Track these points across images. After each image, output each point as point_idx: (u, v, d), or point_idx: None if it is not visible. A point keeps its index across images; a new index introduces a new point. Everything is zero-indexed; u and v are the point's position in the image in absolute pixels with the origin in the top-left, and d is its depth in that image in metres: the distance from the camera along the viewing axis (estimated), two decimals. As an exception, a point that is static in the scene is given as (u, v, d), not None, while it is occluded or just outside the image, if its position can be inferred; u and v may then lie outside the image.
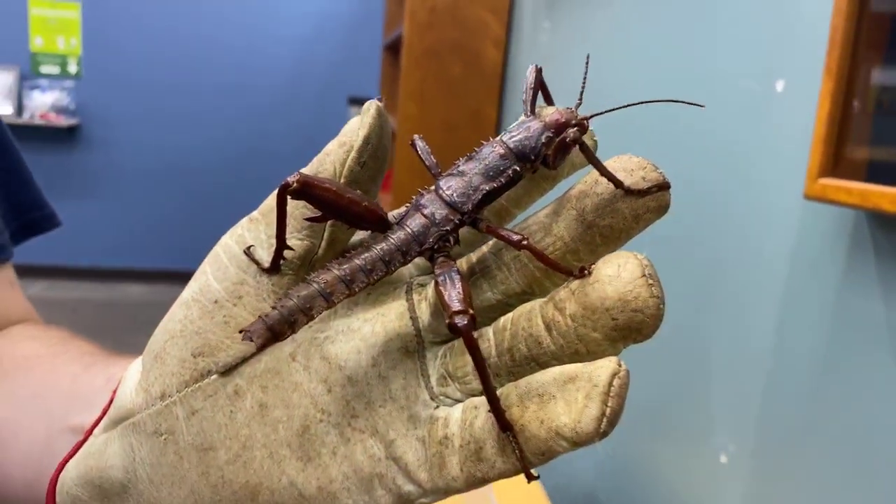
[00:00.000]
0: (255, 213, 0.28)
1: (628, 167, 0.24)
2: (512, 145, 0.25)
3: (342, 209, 0.25)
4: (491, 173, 0.25)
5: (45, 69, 3.54)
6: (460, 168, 0.25)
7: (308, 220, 0.26)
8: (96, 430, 0.30)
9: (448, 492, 0.24)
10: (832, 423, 0.66)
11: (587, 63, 0.28)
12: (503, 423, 0.22)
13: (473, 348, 0.22)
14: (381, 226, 0.25)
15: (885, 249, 0.62)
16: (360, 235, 0.29)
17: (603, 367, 0.21)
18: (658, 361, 0.96)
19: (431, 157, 0.27)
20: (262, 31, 3.62)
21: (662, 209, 0.24)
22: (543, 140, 0.25)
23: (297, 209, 0.26)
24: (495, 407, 0.22)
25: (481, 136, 0.26)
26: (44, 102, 3.52)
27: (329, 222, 0.27)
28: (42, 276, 3.56)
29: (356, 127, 0.26)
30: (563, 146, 0.24)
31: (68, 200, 3.55)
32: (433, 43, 1.81)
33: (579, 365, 0.22)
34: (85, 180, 3.66)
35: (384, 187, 2.33)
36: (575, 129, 0.24)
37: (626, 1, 1.15)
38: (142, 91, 3.58)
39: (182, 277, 0.29)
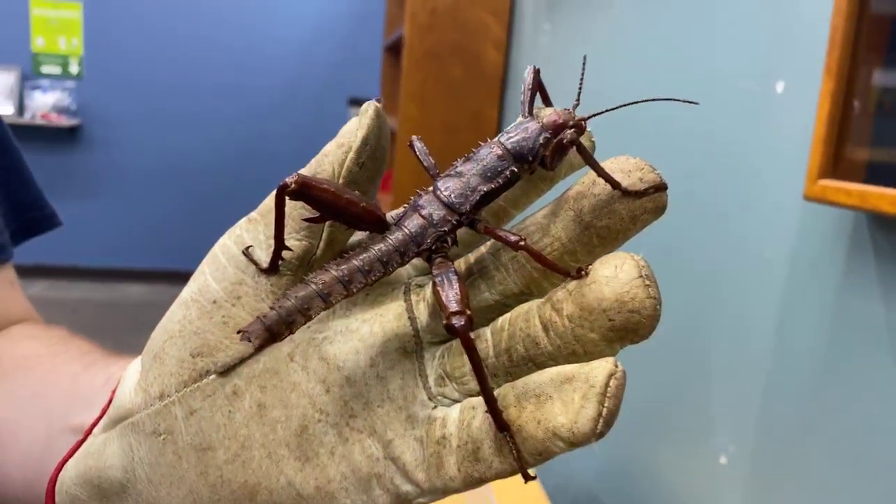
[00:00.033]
0: (253, 214, 0.28)
1: (625, 168, 0.24)
2: (510, 146, 0.25)
3: (340, 210, 0.25)
4: (489, 174, 0.25)
5: (46, 69, 3.54)
6: (458, 169, 0.26)
7: (306, 220, 0.26)
8: (95, 430, 0.30)
9: (446, 492, 0.24)
10: (832, 424, 0.66)
11: (584, 64, 0.28)
12: (500, 424, 0.22)
13: (470, 349, 0.22)
14: (380, 226, 0.25)
15: (885, 251, 0.62)
16: (358, 236, 0.29)
17: (599, 368, 0.21)
18: (658, 362, 0.96)
19: (429, 157, 0.27)
20: (262, 32, 3.63)
21: (659, 210, 0.24)
22: (541, 141, 0.25)
23: (296, 210, 0.27)
24: (492, 407, 0.22)
25: (482, 137, 0.27)
26: (45, 103, 3.53)
27: (327, 223, 0.27)
28: (42, 276, 3.56)
29: (354, 128, 0.26)
30: (561, 147, 0.25)
31: (69, 200, 3.55)
32: (434, 44, 1.81)
33: (576, 365, 0.22)
34: (86, 180, 3.66)
35: (385, 188, 2.33)
36: (572, 130, 0.25)
37: (627, 3, 1.15)
38: (143, 92, 3.58)
39: (182, 278, 0.29)
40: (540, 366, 0.23)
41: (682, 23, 0.98)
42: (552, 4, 1.52)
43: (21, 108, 3.54)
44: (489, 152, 0.25)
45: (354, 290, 0.24)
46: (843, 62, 0.61)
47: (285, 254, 0.27)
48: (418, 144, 0.28)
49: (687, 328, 0.91)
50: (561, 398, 0.22)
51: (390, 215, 0.26)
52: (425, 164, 0.27)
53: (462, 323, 0.22)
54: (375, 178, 0.27)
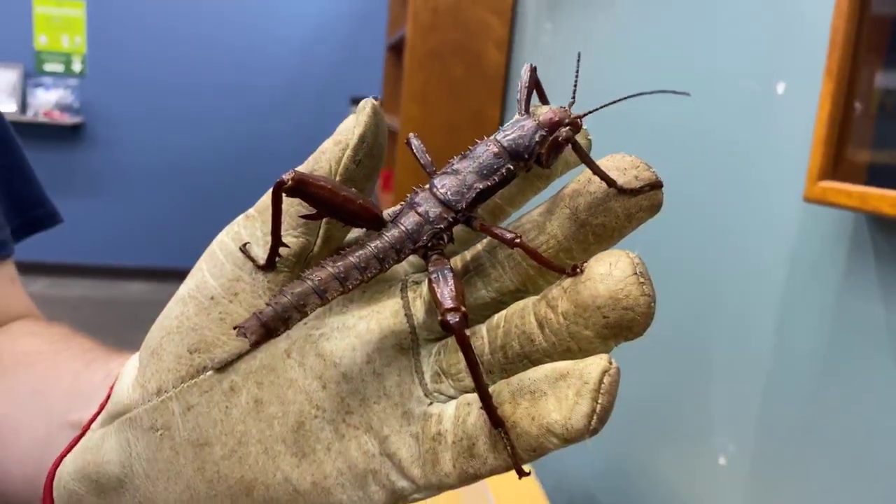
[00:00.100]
0: (251, 211, 0.28)
1: (621, 166, 0.24)
2: (506, 144, 0.25)
3: (337, 207, 0.25)
4: (485, 172, 0.25)
5: (49, 67, 3.55)
6: (454, 166, 0.26)
7: (303, 217, 0.26)
8: (94, 425, 0.30)
9: (441, 488, 0.24)
10: (832, 426, 0.66)
11: (578, 61, 0.28)
12: (495, 420, 0.22)
13: (465, 345, 0.22)
14: (376, 224, 0.26)
15: (885, 252, 0.62)
16: (355, 233, 0.29)
17: (593, 365, 0.21)
18: (658, 362, 0.96)
19: (426, 155, 0.27)
20: (265, 31, 3.63)
21: (655, 208, 0.24)
22: (537, 139, 0.25)
23: (293, 207, 0.27)
24: (487, 403, 0.22)
25: (483, 137, 0.27)
26: (48, 100, 3.53)
27: (324, 220, 0.27)
28: (44, 273, 3.57)
29: (352, 125, 0.26)
30: (556, 145, 0.25)
31: (71, 198, 3.56)
32: (436, 44, 1.81)
33: (570, 362, 0.22)
34: (88, 178, 3.67)
35: (386, 187, 2.33)
36: (568, 127, 0.25)
37: (628, 3, 1.15)
38: (146, 90, 3.59)
39: (183, 276, 0.29)
40: (535, 362, 0.23)
41: (683, 23, 0.98)
42: (554, 4, 1.52)
43: (24, 106, 3.54)
44: (485, 150, 0.25)
45: (350, 286, 0.24)
46: (843, 63, 0.61)
47: (282, 250, 0.27)
48: (415, 142, 0.28)
49: (687, 328, 0.91)
50: (555, 395, 0.22)
51: (387, 213, 0.27)
52: (422, 161, 0.27)
53: (457, 319, 0.22)
54: (372, 175, 0.27)
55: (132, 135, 3.64)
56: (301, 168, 0.26)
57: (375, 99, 0.27)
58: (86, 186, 3.66)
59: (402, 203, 0.26)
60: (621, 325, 0.22)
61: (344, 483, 0.25)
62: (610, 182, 0.23)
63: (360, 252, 0.25)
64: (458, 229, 0.27)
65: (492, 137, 0.26)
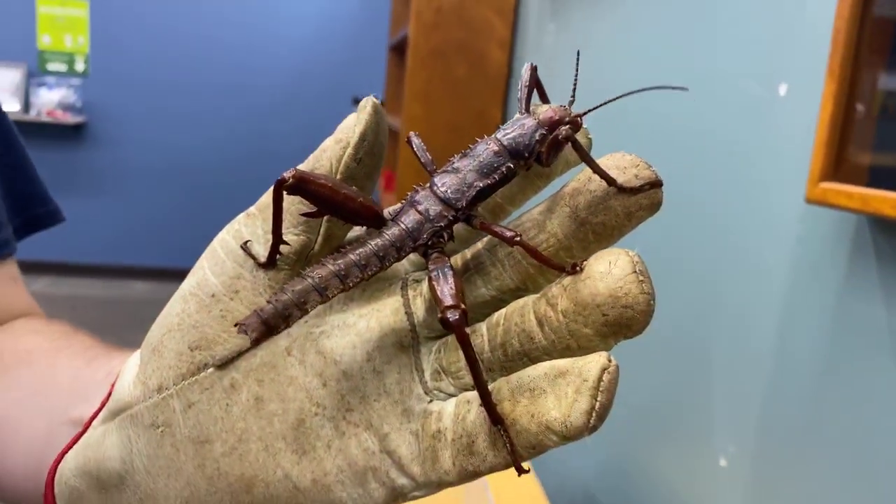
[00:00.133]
0: (252, 209, 0.28)
1: (621, 165, 0.24)
2: (506, 142, 0.25)
3: (337, 205, 0.25)
4: (485, 170, 0.25)
5: (52, 67, 3.55)
6: (455, 165, 0.26)
7: (303, 215, 0.26)
8: (95, 422, 0.30)
9: (441, 485, 0.24)
10: (833, 427, 0.66)
11: (577, 59, 0.28)
12: (494, 417, 0.22)
13: (464, 342, 0.22)
14: (376, 222, 0.26)
15: (887, 254, 0.62)
16: (356, 232, 0.29)
17: (593, 362, 0.21)
18: (659, 364, 0.96)
19: (427, 154, 0.27)
20: (268, 31, 3.63)
21: (655, 207, 0.24)
22: (537, 137, 0.25)
23: (294, 205, 0.27)
24: (486, 401, 0.22)
25: (484, 136, 0.27)
26: (51, 100, 3.54)
27: (325, 218, 0.27)
28: (46, 272, 3.57)
29: (352, 124, 0.27)
30: (556, 143, 0.25)
31: (74, 197, 3.57)
32: (439, 44, 1.81)
33: (570, 360, 0.22)
34: (91, 178, 3.68)
35: (388, 188, 2.34)
36: (568, 126, 0.25)
37: (631, 4, 1.15)
38: (149, 90, 3.60)
39: (185, 275, 0.29)
40: (534, 360, 0.23)
41: (685, 24, 0.98)
42: (556, 4, 1.52)
43: (27, 105, 3.55)
44: (486, 148, 0.25)
45: (351, 284, 0.24)
46: (845, 65, 0.61)
47: (283, 248, 0.27)
48: (416, 140, 0.28)
49: (688, 329, 0.91)
50: (554, 392, 0.22)
51: (387, 211, 0.27)
52: (423, 160, 0.27)
53: (457, 317, 0.22)
54: (373, 173, 0.27)
55: (135, 134, 3.64)
56: (302, 166, 0.26)
57: (376, 97, 0.27)
58: (88, 186, 3.67)
59: (403, 201, 0.26)
60: (621, 323, 0.22)
61: (344, 480, 0.25)
62: (610, 181, 0.24)
63: (361, 250, 0.25)
64: (458, 228, 0.27)
65: (492, 136, 0.26)
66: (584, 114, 0.25)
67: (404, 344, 0.26)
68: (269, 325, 0.24)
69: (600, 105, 0.25)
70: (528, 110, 0.26)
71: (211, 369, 0.27)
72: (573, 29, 1.42)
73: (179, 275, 0.31)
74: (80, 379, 0.36)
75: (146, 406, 0.28)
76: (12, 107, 3.48)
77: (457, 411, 0.24)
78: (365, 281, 0.25)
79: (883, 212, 0.57)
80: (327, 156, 0.26)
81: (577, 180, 0.25)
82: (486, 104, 1.84)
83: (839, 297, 0.66)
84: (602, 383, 0.21)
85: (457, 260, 0.27)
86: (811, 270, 0.70)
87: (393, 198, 2.10)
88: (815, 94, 0.65)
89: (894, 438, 0.59)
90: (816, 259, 0.69)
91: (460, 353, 0.24)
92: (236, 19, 3.61)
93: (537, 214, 0.25)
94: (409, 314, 0.26)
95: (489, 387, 0.23)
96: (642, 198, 0.24)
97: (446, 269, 0.23)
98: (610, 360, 0.21)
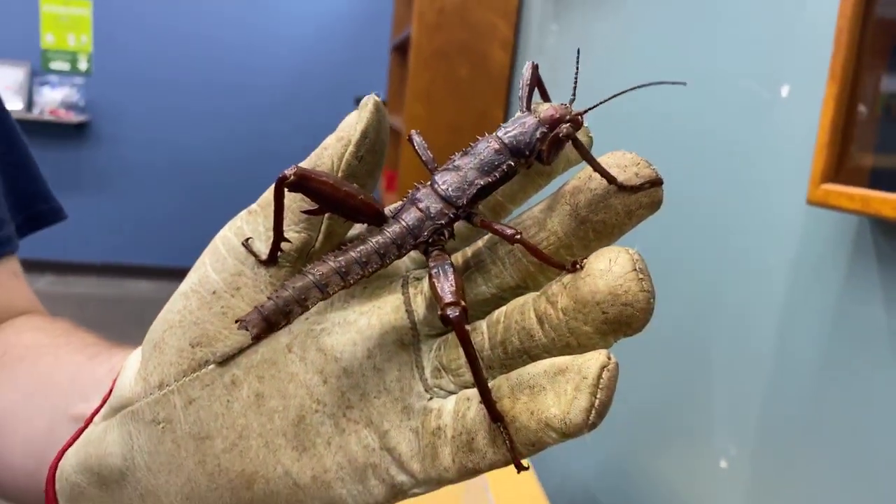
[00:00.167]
0: (253, 206, 0.28)
1: (622, 163, 0.24)
2: (507, 140, 0.25)
3: (338, 202, 0.25)
4: (486, 168, 0.25)
5: (55, 65, 3.56)
6: (456, 163, 0.26)
7: (305, 212, 0.26)
8: (96, 419, 0.30)
9: (440, 482, 0.24)
10: (833, 428, 0.66)
11: (578, 57, 0.28)
12: (494, 414, 0.22)
13: (464, 339, 0.22)
14: (377, 219, 0.26)
15: (887, 255, 0.62)
16: (357, 229, 0.29)
17: (592, 360, 0.22)
18: (660, 364, 0.96)
19: (428, 152, 0.27)
20: (270, 31, 3.64)
21: (655, 205, 0.24)
22: (538, 135, 0.25)
23: (295, 202, 0.27)
24: (486, 398, 0.22)
25: (485, 134, 0.27)
26: (53, 98, 3.54)
27: (326, 215, 0.27)
28: (48, 270, 3.58)
29: (354, 121, 0.27)
30: (557, 141, 0.25)
31: (76, 196, 3.57)
32: (441, 44, 1.81)
33: (569, 357, 0.22)
34: (93, 176, 3.68)
35: (390, 187, 2.34)
36: (569, 124, 0.25)
37: (633, 5, 1.15)
38: (152, 89, 3.60)
39: (187, 275, 0.29)
40: (534, 358, 0.23)
41: (688, 26, 0.98)
42: (559, 6, 1.52)
43: (30, 104, 3.56)
44: (486, 146, 0.25)
45: (352, 281, 0.24)
46: (847, 66, 0.61)
47: (284, 245, 0.27)
48: (417, 139, 0.28)
49: (689, 330, 0.91)
50: (554, 389, 0.22)
51: (388, 209, 0.27)
52: (424, 158, 0.27)
53: (457, 314, 0.22)
54: (374, 171, 0.27)
55: (137, 133, 3.65)
56: (303, 164, 0.26)
57: (377, 96, 0.27)
58: (91, 185, 3.67)
59: (404, 199, 0.26)
60: (620, 321, 0.22)
61: (344, 477, 0.25)
62: (610, 179, 0.24)
63: (362, 247, 0.25)
64: (459, 225, 0.28)
65: (493, 134, 0.26)
66: (585, 112, 0.26)
67: (405, 341, 0.26)
68: (269, 322, 0.24)
69: (601, 103, 0.25)
70: (529, 108, 0.26)
71: (212, 366, 0.27)
72: (576, 30, 1.42)
73: (181, 273, 0.31)
74: (81, 376, 0.36)
75: (147, 402, 0.28)
76: (15, 105, 3.48)
77: (457, 408, 0.24)
78: (366, 278, 0.25)
79: (884, 213, 0.57)
80: (329, 153, 0.27)
81: (578, 178, 0.25)
82: (488, 105, 1.85)
83: (840, 298, 0.66)
84: (601, 381, 0.21)
85: (457, 258, 0.27)
86: (812, 272, 0.70)
87: (395, 197, 2.10)
88: (816, 96, 0.65)
89: (894, 440, 0.59)
90: (817, 260, 0.69)
91: (460, 350, 0.24)
92: (239, 19, 3.62)
93: (538, 212, 0.25)
94: (409, 312, 0.26)
95: (489, 384, 0.23)
96: (643, 196, 0.24)
97: (447, 267, 0.23)
98: (609, 358, 0.22)
